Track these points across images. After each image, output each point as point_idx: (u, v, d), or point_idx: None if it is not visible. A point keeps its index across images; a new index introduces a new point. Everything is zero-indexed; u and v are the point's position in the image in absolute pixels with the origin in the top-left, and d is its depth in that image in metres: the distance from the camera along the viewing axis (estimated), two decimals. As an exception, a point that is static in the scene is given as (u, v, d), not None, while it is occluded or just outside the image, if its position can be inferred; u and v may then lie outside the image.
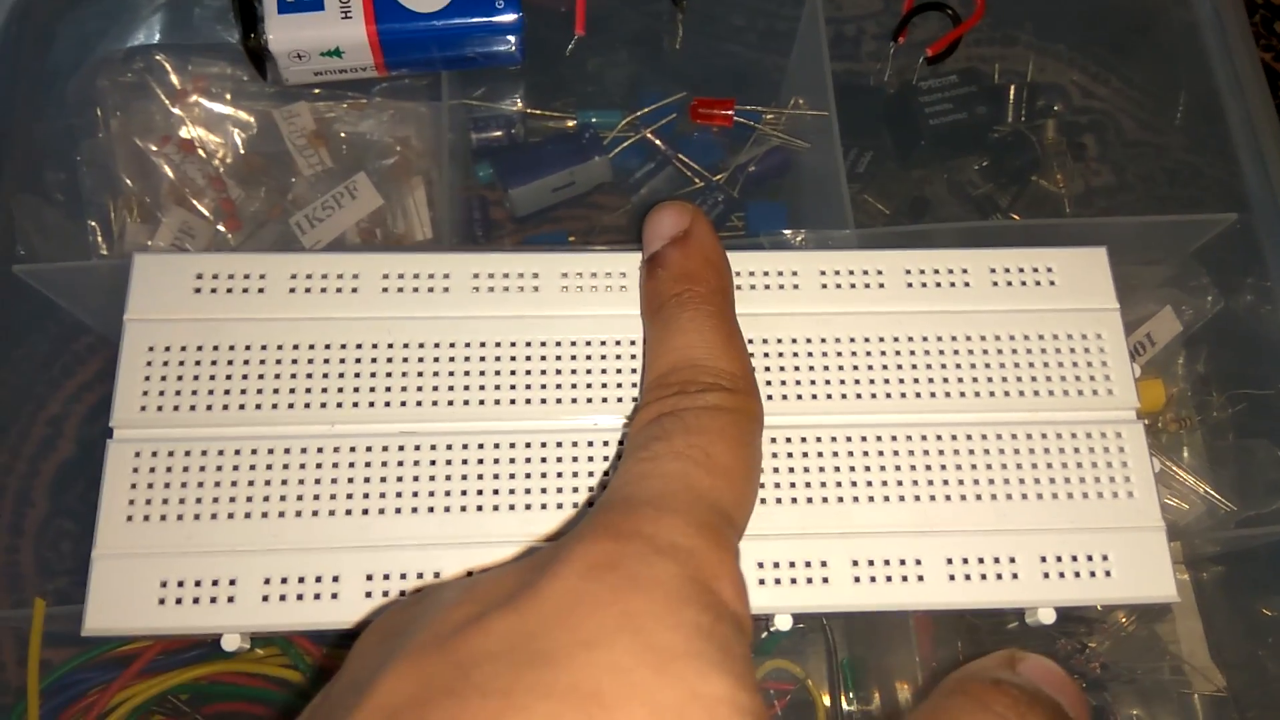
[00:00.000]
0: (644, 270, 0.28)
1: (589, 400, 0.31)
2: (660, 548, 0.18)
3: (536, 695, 0.15)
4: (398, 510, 0.30)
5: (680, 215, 0.28)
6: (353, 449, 0.30)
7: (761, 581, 0.30)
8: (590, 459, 0.31)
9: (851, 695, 0.40)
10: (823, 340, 0.32)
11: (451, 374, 0.31)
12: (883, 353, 0.32)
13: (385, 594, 0.29)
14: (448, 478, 0.30)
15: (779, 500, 0.31)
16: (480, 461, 0.31)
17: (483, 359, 0.32)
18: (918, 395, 0.32)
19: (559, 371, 0.32)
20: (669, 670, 0.16)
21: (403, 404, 0.31)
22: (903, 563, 0.30)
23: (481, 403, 0.31)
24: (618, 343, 0.32)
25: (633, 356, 0.32)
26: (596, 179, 0.46)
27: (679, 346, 0.23)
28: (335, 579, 0.29)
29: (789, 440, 0.31)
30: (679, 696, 0.15)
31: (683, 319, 0.24)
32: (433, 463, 0.30)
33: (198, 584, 0.29)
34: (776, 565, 0.30)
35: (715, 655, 0.16)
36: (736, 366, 0.23)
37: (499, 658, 0.16)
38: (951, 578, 0.30)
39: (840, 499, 0.31)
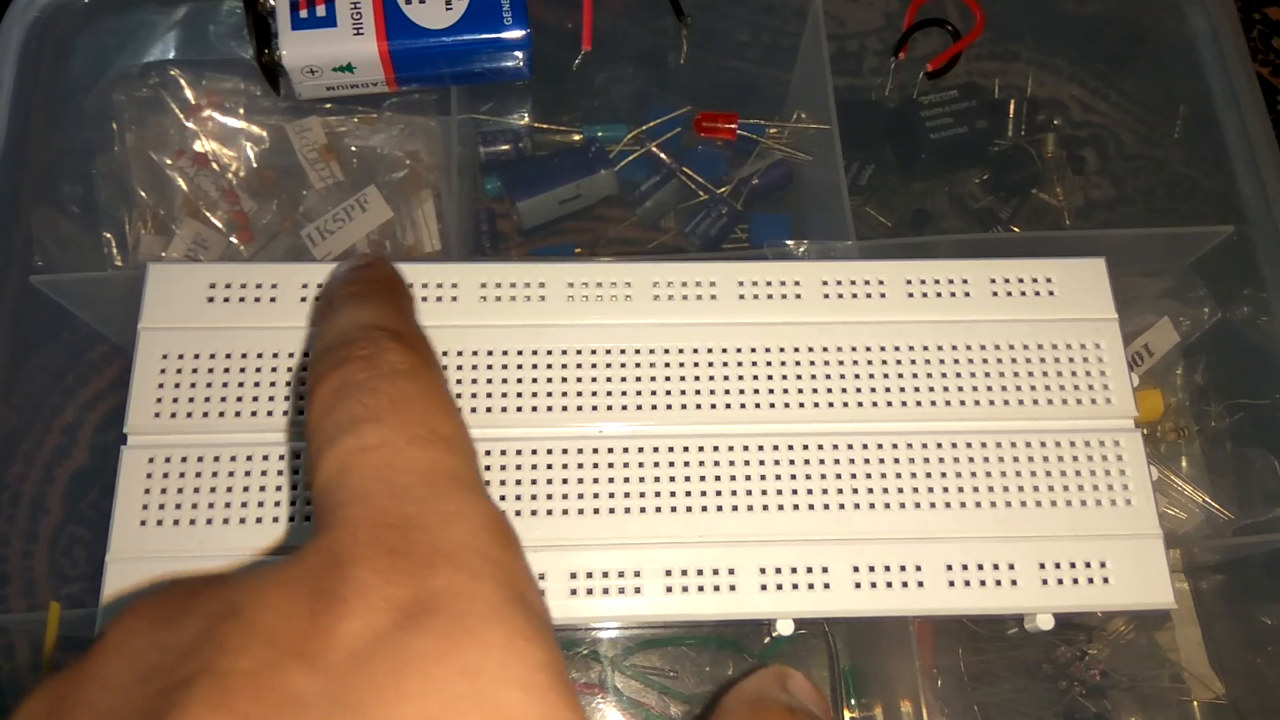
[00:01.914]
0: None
1: (594, 408, 0.32)
2: (471, 568, 0.15)
3: None
4: (406, 515, 0.30)
5: (362, 257, 0.25)
6: (363, 455, 0.31)
7: (764, 587, 0.30)
8: (595, 465, 0.31)
9: (853, 702, 0.40)
10: (824, 349, 0.33)
11: (460, 382, 0.32)
12: (884, 362, 0.33)
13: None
14: (455, 484, 0.31)
15: (781, 507, 0.31)
16: (487, 468, 0.31)
17: (490, 367, 0.32)
18: (918, 404, 0.33)
19: (565, 380, 0.32)
20: None
21: (412, 411, 0.31)
22: (903, 569, 0.31)
23: (489, 410, 0.32)
24: (623, 351, 0.33)
25: (638, 365, 0.33)
26: (602, 192, 0.47)
27: (343, 318, 0.20)
28: (345, 583, 0.30)
29: (790, 448, 0.32)
30: None
31: (346, 302, 0.21)
32: (441, 469, 0.31)
33: (210, 587, 0.29)
34: (779, 571, 0.30)
35: (559, 696, 0.14)
36: (407, 324, 0.20)
37: None
38: (951, 584, 0.31)
39: (842, 506, 0.31)
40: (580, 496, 0.31)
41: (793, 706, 0.21)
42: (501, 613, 0.14)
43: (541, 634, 0.15)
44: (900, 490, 0.31)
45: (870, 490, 0.31)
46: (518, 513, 0.30)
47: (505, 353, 0.32)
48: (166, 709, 0.13)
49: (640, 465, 0.31)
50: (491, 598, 0.15)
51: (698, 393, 0.32)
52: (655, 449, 0.31)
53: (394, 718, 0.13)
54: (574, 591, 0.30)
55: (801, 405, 0.32)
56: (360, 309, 0.20)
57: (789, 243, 0.40)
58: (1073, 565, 0.31)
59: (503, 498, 0.31)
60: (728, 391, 0.32)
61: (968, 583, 0.31)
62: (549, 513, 0.31)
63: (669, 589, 0.30)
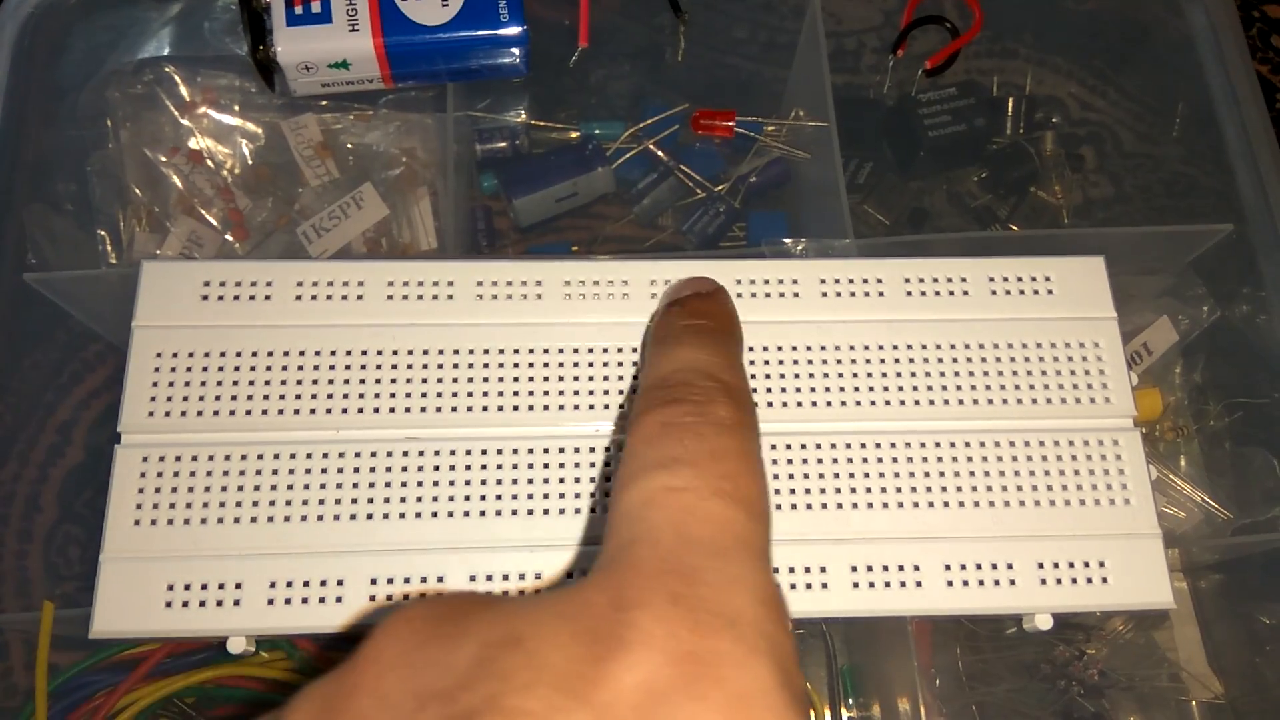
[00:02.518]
0: (659, 314, 0.27)
1: (591, 407, 0.32)
2: (749, 642, 0.15)
3: None
4: (402, 515, 0.30)
5: (709, 280, 0.27)
6: (358, 454, 0.31)
7: (761, 586, 0.30)
8: (593, 465, 0.31)
9: (851, 702, 0.40)
10: (823, 348, 0.33)
11: (455, 380, 0.32)
12: (882, 360, 0.33)
13: (389, 597, 0.29)
14: (451, 483, 0.31)
15: (779, 506, 0.31)
16: (484, 467, 0.31)
17: (486, 365, 0.32)
18: (916, 403, 0.32)
19: (562, 378, 0.32)
20: None
21: (407, 410, 0.31)
22: (901, 569, 0.31)
23: (485, 409, 0.32)
24: (620, 350, 0.32)
25: (634, 364, 0.32)
26: (599, 190, 0.47)
27: (681, 356, 0.22)
28: (340, 583, 0.29)
29: (789, 447, 0.32)
30: None
31: (687, 338, 0.23)
32: (436, 468, 0.31)
33: (204, 587, 0.29)
34: (776, 571, 0.30)
35: None
36: (740, 380, 0.21)
37: None
38: (950, 584, 0.30)
39: (840, 505, 0.31)
40: (577, 496, 0.31)
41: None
42: (773, 697, 0.15)
43: (802, 712, 0.15)
44: (899, 490, 0.31)
45: (868, 490, 0.31)
46: (514, 512, 0.30)
47: (501, 351, 0.32)
48: None
49: (637, 464, 0.31)
50: (767, 679, 0.15)
51: (695, 391, 0.32)
52: (652, 448, 0.31)
53: None
54: (570, 591, 0.30)
55: (799, 404, 0.32)
56: (700, 350, 0.22)
57: (787, 241, 0.40)
58: (1071, 565, 0.31)
59: (499, 497, 0.31)
60: (725, 390, 0.32)
61: (966, 582, 0.31)
62: (545, 512, 0.30)
63: (666, 589, 0.30)
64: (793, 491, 0.31)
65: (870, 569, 0.30)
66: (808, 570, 0.30)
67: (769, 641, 0.15)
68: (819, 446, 0.32)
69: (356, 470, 0.31)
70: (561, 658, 0.14)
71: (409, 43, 0.40)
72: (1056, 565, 0.31)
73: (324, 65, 0.41)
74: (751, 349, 0.33)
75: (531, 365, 0.32)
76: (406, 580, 0.29)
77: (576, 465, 0.31)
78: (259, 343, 0.32)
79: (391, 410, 0.31)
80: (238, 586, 0.29)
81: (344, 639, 0.32)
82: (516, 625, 0.15)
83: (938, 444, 0.32)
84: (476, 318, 0.33)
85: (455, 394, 0.32)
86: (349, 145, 0.46)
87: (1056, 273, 0.34)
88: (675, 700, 0.14)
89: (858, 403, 0.32)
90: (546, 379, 0.32)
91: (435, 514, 0.30)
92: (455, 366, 0.32)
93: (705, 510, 0.17)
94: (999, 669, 0.41)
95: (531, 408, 0.32)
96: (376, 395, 0.31)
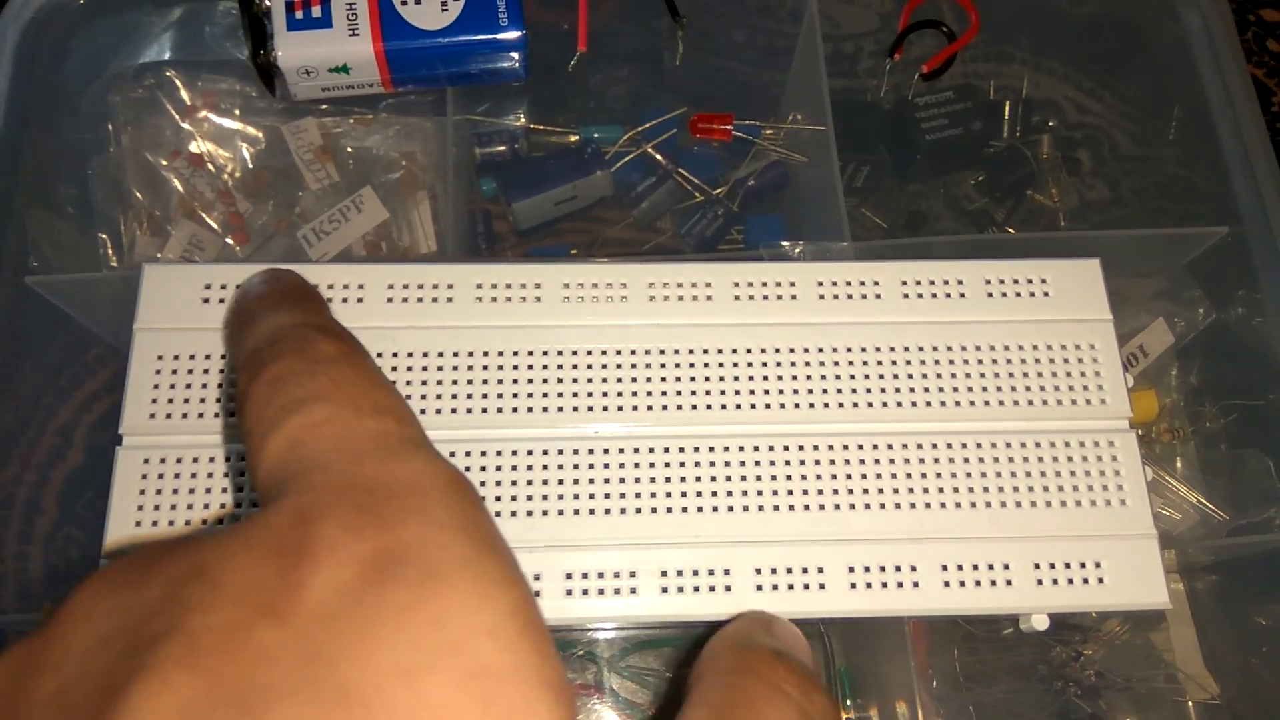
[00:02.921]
0: (229, 326, 0.25)
1: (590, 409, 0.32)
2: (438, 520, 0.15)
3: None
4: (402, 516, 0.30)
5: (263, 272, 0.25)
6: (358, 456, 0.31)
7: (759, 588, 0.30)
8: (591, 466, 0.31)
9: (849, 703, 0.41)
10: (820, 350, 0.33)
11: (455, 382, 0.32)
12: (879, 363, 0.33)
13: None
14: (451, 484, 0.31)
15: (776, 507, 0.31)
16: (484, 469, 0.31)
17: (486, 368, 0.32)
18: (913, 404, 0.33)
19: (561, 380, 0.32)
20: (496, 705, 0.13)
21: (407, 412, 0.31)
22: (898, 569, 0.31)
23: (485, 411, 0.32)
24: (618, 352, 0.33)
25: (633, 366, 0.33)
26: (598, 193, 0.47)
27: (261, 324, 0.20)
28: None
29: (786, 449, 0.32)
30: None
31: (261, 311, 0.21)
32: (436, 470, 0.31)
33: (205, 588, 0.29)
34: (774, 571, 0.30)
35: (538, 668, 0.14)
36: (330, 321, 0.21)
37: (292, 694, 0.13)
38: (947, 584, 0.31)
39: (837, 506, 0.31)
40: (576, 497, 0.31)
41: (779, 650, 0.21)
42: (472, 560, 0.14)
43: (511, 579, 0.14)
44: (895, 491, 0.31)
45: (865, 491, 0.31)
46: (513, 513, 0.31)
47: (501, 353, 0.32)
48: (134, 668, 0.13)
49: (636, 466, 0.31)
50: (461, 546, 0.14)
51: (693, 394, 0.32)
52: (651, 450, 0.31)
53: (364, 669, 0.13)
54: (569, 592, 0.30)
55: (797, 406, 0.32)
56: (278, 313, 0.21)
57: (784, 244, 0.40)
58: (1068, 566, 0.31)
59: (498, 498, 0.31)
60: (723, 392, 0.32)
61: (963, 583, 0.31)
62: (544, 513, 0.31)
63: (664, 590, 0.30)
64: (790, 493, 0.31)
65: (867, 569, 0.31)
66: (805, 571, 0.30)
67: (460, 516, 0.15)
68: (816, 448, 0.32)
69: (357, 472, 0.31)
70: (244, 578, 0.14)
71: (409, 47, 0.41)
72: (1053, 566, 0.31)
73: (324, 70, 0.41)
74: (749, 351, 0.33)
75: (530, 367, 0.32)
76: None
77: (575, 467, 0.31)
78: (260, 345, 0.32)
79: (391, 412, 0.31)
80: (238, 587, 0.29)
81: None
82: (199, 557, 0.14)
83: (934, 445, 0.32)
84: (476, 320, 0.33)
85: (454, 396, 0.32)
86: (349, 149, 0.46)
87: (1052, 275, 0.35)
88: (364, 590, 0.14)
89: (855, 404, 0.32)
90: (545, 381, 0.32)
91: (435, 515, 0.30)
92: (455, 369, 0.32)
93: (358, 429, 0.17)
94: (996, 670, 0.41)
95: (530, 409, 0.32)
96: (376, 397, 0.31)
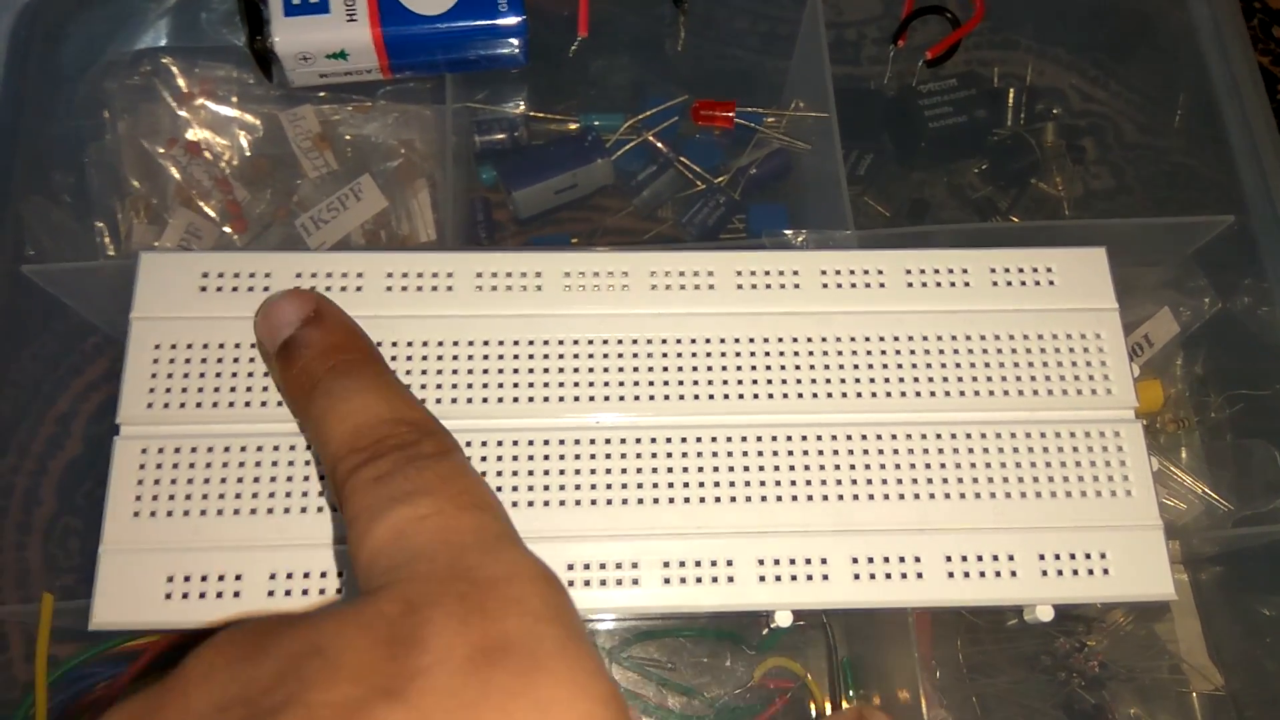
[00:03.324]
0: (278, 362, 0.25)
1: (591, 398, 0.32)
2: (535, 613, 0.16)
3: None
4: (402, 506, 0.30)
5: (302, 299, 0.25)
6: (357, 446, 0.31)
7: (762, 578, 0.30)
8: (593, 456, 0.31)
9: (851, 694, 0.40)
10: (823, 339, 0.33)
11: (455, 371, 0.32)
12: (883, 352, 0.33)
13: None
14: (451, 475, 0.30)
15: (779, 498, 0.31)
16: (483, 459, 0.31)
17: (486, 357, 0.32)
18: (918, 394, 0.32)
19: (561, 370, 0.32)
20: None
21: (407, 401, 0.31)
22: (902, 560, 0.31)
23: (485, 400, 0.31)
24: (619, 341, 0.32)
25: (634, 355, 0.32)
26: (599, 181, 0.47)
27: (358, 408, 0.21)
28: (340, 574, 0.29)
29: (789, 439, 0.32)
30: None
31: (348, 384, 0.22)
32: (436, 460, 0.31)
33: (204, 579, 0.29)
34: (777, 562, 0.30)
35: None
36: (417, 410, 0.21)
37: None
38: (951, 575, 0.30)
39: (840, 497, 0.31)
40: (577, 487, 0.31)
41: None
42: (568, 649, 0.16)
43: (602, 671, 0.16)
44: (899, 481, 0.31)
45: (869, 481, 0.31)
46: (514, 504, 0.30)
47: (501, 342, 0.32)
48: None
49: (638, 456, 0.31)
50: (558, 636, 0.16)
51: (695, 383, 0.32)
52: (653, 440, 0.31)
53: None
54: (571, 583, 0.30)
55: (800, 395, 0.32)
56: (361, 395, 0.22)
57: (787, 232, 0.40)
58: (1073, 556, 0.31)
59: (499, 489, 0.30)
60: (726, 382, 0.32)
61: (967, 574, 0.31)
62: (545, 504, 0.30)
63: (667, 580, 0.30)
64: (793, 483, 0.31)
65: (871, 560, 0.30)
66: (809, 562, 0.30)
67: (554, 610, 0.16)
68: (819, 438, 0.32)
69: (356, 462, 0.30)
70: (360, 659, 0.15)
71: (407, 33, 0.40)
72: (1058, 556, 0.31)
73: (322, 56, 0.41)
74: (752, 340, 0.33)
75: (531, 356, 0.32)
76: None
77: (577, 457, 0.31)
78: (258, 334, 0.32)
79: (391, 402, 0.31)
80: (238, 578, 0.29)
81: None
82: (315, 637, 0.15)
83: (939, 435, 0.32)
84: (476, 309, 0.33)
85: (455, 385, 0.32)
86: (347, 137, 0.45)
87: (1058, 264, 0.34)
88: (473, 675, 0.15)
89: (859, 394, 0.32)
90: (546, 370, 0.32)
91: (435, 506, 0.30)
92: (455, 358, 0.32)
93: (460, 523, 0.18)
94: (999, 661, 0.41)
95: (531, 399, 0.32)
96: (376, 387, 0.31)
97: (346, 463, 0.20)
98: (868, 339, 0.33)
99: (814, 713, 0.40)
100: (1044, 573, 0.31)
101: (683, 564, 0.30)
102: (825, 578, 0.30)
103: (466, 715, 0.14)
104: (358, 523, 0.19)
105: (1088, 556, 0.31)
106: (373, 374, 0.23)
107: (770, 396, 0.32)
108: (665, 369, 0.32)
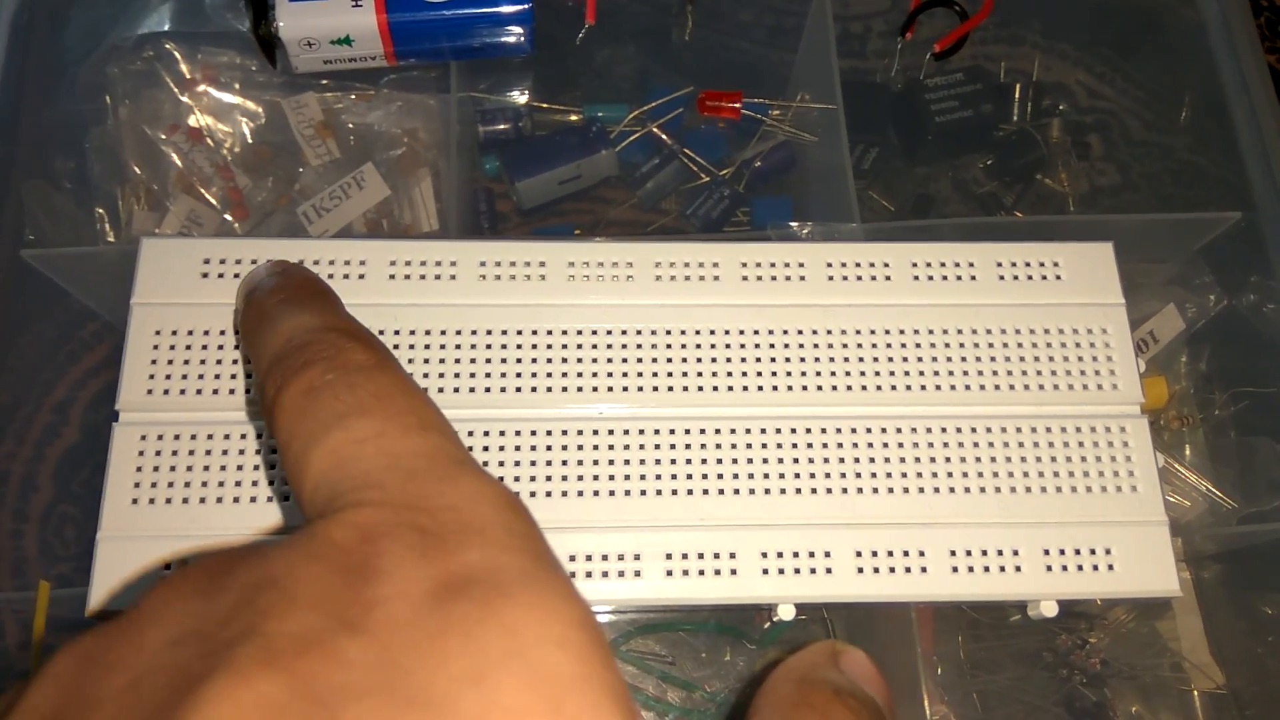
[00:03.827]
0: (241, 314, 0.24)
1: (595, 389, 0.31)
2: (500, 542, 0.15)
3: None
4: (403, 496, 0.30)
5: (273, 262, 0.25)
6: (359, 434, 0.30)
7: (765, 571, 0.30)
8: (596, 447, 0.31)
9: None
10: (828, 332, 0.33)
11: (458, 361, 0.31)
12: (888, 345, 0.33)
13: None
14: (453, 464, 0.30)
15: (783, 491, 0.31)
16: (486, 449, 0.31)
17: (489, 347, 0.32)
18: (923, 388, 0.32)
19: (565, 360, 0.32)
20: (566, 710, 0.13)
21: (409, 390, 0.31)
22: (906, 554, 0.30)
23: (488, 390, 0.31)
24: (624, 332, 0.32)
25: (638, 346, 0.32)
26: (603, 173, 0.47)
27: (285, 325, 0.20)
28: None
29: (794, 431, 0.31)
30: None
31: (282, 310, 0.21)
32: (438, 449, 0.30)
33: (203, 567, 0.29)
34: (780, 555, 0.30)
35: (604, 678, 0.14)
36: (355, 324, 0.21)
37: (369, 695, 0.13)
38: (955, 570, 0.30)
39: (845, 490, 0.31)
40: (580, 478, 0.30)
41: (842, 687, 0.20)
42: (535, 576, 0.15)
43: (574, 594, 0.15)
44: (904, 475, 0.31)
45: (874, 475, 0.31)
46: (517, 494, 0.30)
47: (505, 332, 0.32)
48: (211, 666, 0.13)
49: (641, 447, 0.31)
50: (523, 564, 0.15)
51: (699, 375, 0.32)
52: (656, 431, 0.31)
53: (437, 675, 0.13)
54: (573, 574, 0.29)
55: (805, 388, 0.32)
56: (301, 314, 0.21)
57: (792, 224, 0.39)
58: (1077, 552, 0.31)
59: (501, 479, 0.30)
60: (730, 374, 0.32)
61: (971, 569, 0.30)
62: (548, 494, 0.30)
63: (669, 572, 0.30)
64: (797, 476, 0.31)
65: (875, 554, 0.30)
66: (812, 555, 0.30)
67: (519, 538, 0.16)
68: (824, 431, 0.31)
69: (357, 450, 0.30)
70: (317, 589, 0.14)
71: (412, 19, 0.40)
72: (1063, 552, 0.31)
73: (326, 41, 0.40)
74: (757, 332, 0.32)
75: (535, 346, 0.32)
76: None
77: (580, 448, 0.31)
78: (259, 321, 0.31)
79: (393, 390, 0.31)
80: (237, 566, 0.29)
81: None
82: (268, 568, 0.15)
83: (944, 429, 0.32)
84: (479, 298, 0.32)
85: (458, 375, 0.31)
86: (350, 125, 0.45)
87: (1065, 258, 0.34)
88: (435, 606, 0.14)
89: (864, 387, 0.32)
90: (550, 361, 0.32)
91: (437, 495, 0.30)
92: (458, 347, 0.32)
93: (406, 446, 0.17)
94: (1001, 657, 0.41)
95: (534, 389, 0.31)
96: (378, 375, 0.31)
97: (272, 378, 0.19)
98: (873, 332, 0.33)
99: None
100: (1049, 568, 0.30)
101: (686, 556, 0.30)
102: (829, 571, 0.30)
103: (431, 646, 0.14)
104: (290, 449, 0.18)
105: (1093, 552, 0.31)
106: (314, 299, 0.22)
107: (775, 389, 0.32)
108: (669, 360, 0.32)
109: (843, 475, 0.31)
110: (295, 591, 0.14)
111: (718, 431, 0.31)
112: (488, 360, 0.32)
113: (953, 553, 0.30)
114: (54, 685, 0.14)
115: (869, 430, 0.32)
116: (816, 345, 0.32)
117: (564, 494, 0.30)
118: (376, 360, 0.19)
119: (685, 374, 0.32)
